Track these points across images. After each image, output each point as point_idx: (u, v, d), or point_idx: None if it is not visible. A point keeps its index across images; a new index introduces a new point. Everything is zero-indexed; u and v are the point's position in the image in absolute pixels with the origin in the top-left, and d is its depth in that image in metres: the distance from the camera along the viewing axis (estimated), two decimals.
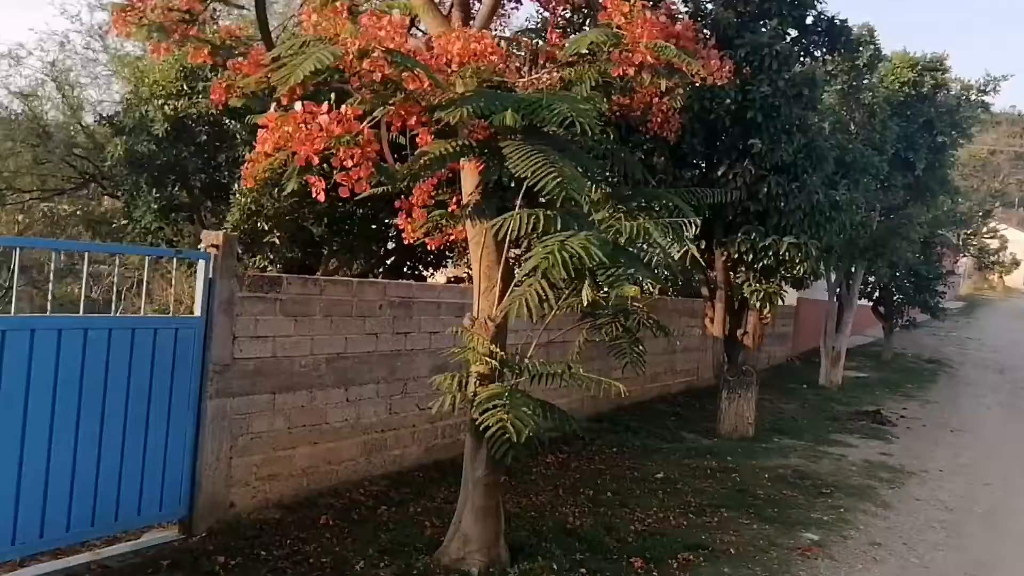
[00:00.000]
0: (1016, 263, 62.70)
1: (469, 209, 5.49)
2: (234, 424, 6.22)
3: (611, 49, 5.37)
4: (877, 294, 22.06)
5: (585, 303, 5.20)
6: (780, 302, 11.05)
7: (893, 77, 15.25)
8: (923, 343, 27.13)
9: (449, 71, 5.12)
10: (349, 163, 4.45)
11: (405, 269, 11.73)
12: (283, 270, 10.76)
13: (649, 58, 5.31)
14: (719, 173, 10.46)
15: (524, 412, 5.10)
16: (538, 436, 5.25)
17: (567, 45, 5.69)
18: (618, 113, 9.52)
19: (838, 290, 17.23)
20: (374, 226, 10.73)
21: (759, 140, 10.10)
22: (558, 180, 4.52)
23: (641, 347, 6.20)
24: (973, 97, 15.69)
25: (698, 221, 5.71)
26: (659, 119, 9.58)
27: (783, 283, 11.13)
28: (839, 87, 13.94)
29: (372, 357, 7.75)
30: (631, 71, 5.35)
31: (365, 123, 4.64)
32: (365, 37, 4.47)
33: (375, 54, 4.44)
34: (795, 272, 10.63)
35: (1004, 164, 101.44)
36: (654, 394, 13.97)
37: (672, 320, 14.54)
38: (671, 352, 14.64)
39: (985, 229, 50.36)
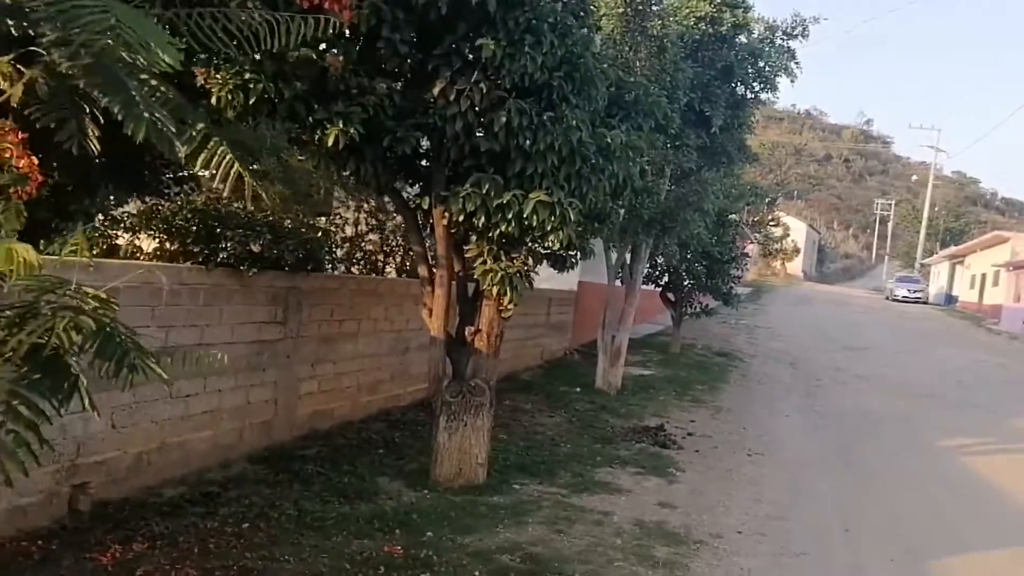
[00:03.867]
0: (797, 251, 65.25)
1: None
2: None
3: None
4: (666, 278, 19.52)
5: None
6: (528, 287, 7.62)
7: (688, 11, 12.29)
8: (713, 332, 25.19)
9: None
10: None
11: None
12: None
13: None
14: (436, 91, 6.87)
15: None
16: None
17: None
18: None
19: (619, 273, 14.23)
20: None
21: (492, 41, 6.59)
22: None
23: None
24: (779, 42, 13.03)
25: None
26: None
27: (532, 260, 7.72)
28: (620, 9, 10.74)
29: None
30: None
31: None
32: None
33: None
34: (548, 244, 7.28)
35: (786, 158, 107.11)
36: (374, 409, 10.26)
37: (403, 308, 10.88)
38: (403, 352, 10.99)
39: (770, 217, 51.12)
